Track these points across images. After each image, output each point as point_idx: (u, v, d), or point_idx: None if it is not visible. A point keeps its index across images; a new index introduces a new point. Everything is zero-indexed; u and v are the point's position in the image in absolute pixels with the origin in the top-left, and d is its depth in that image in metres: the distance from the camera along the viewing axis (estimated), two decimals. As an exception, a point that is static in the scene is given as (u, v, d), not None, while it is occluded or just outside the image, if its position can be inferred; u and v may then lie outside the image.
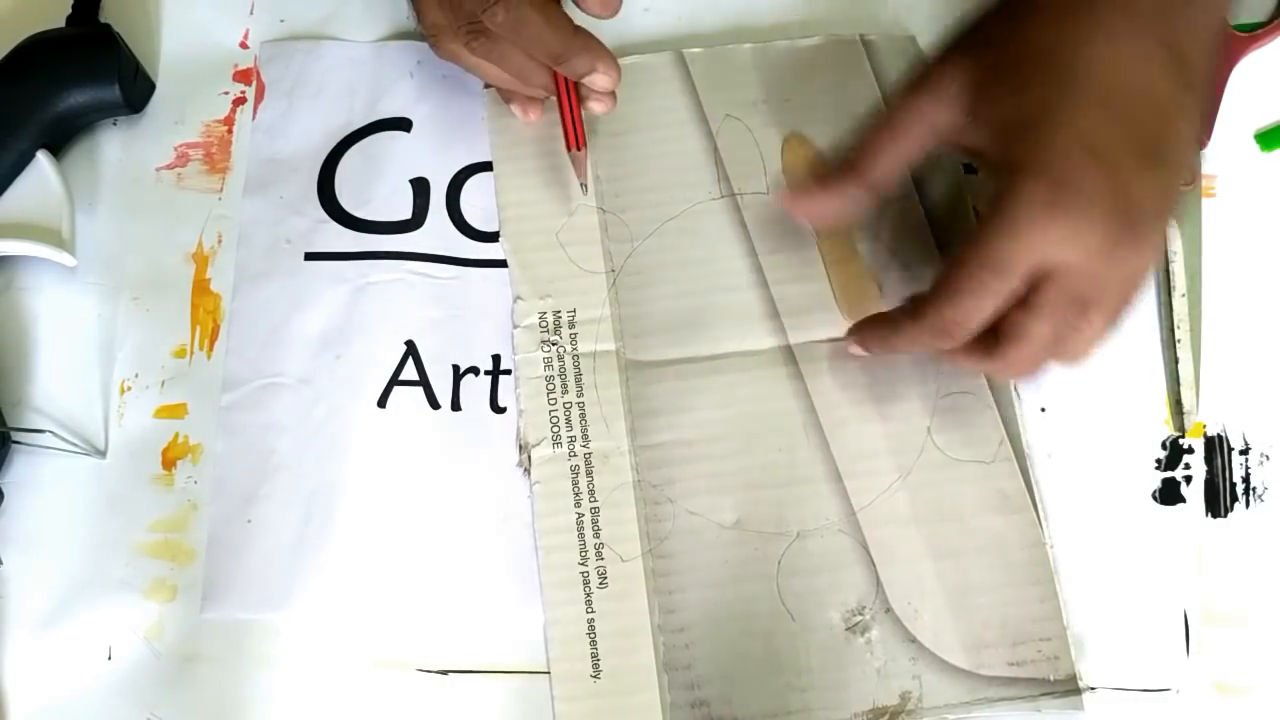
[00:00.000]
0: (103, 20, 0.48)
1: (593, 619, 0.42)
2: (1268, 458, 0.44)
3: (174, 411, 0.44)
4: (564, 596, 0.42)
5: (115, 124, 0.47)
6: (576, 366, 0.45)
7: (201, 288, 0.45)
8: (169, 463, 0.43)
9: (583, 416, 0.44)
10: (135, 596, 0.42)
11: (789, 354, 0.45)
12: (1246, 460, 0.44)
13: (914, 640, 0.42)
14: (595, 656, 0.42)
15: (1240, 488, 0.43)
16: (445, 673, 0.42)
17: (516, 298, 0.45)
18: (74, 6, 0.48)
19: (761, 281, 0.46)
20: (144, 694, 0.41)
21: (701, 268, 0.46)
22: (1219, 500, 0.43)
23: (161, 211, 0.46)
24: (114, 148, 0.47)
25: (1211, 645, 0.42)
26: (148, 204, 0.46)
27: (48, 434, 0.43)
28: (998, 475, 0.43)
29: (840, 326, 0.45)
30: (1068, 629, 0.42)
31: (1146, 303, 0.45)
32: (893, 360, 0.44)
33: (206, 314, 0.45)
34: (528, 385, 0.45)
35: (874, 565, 0.43)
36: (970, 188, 0.45)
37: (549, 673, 0.42)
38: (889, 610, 0.42)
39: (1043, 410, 0.44)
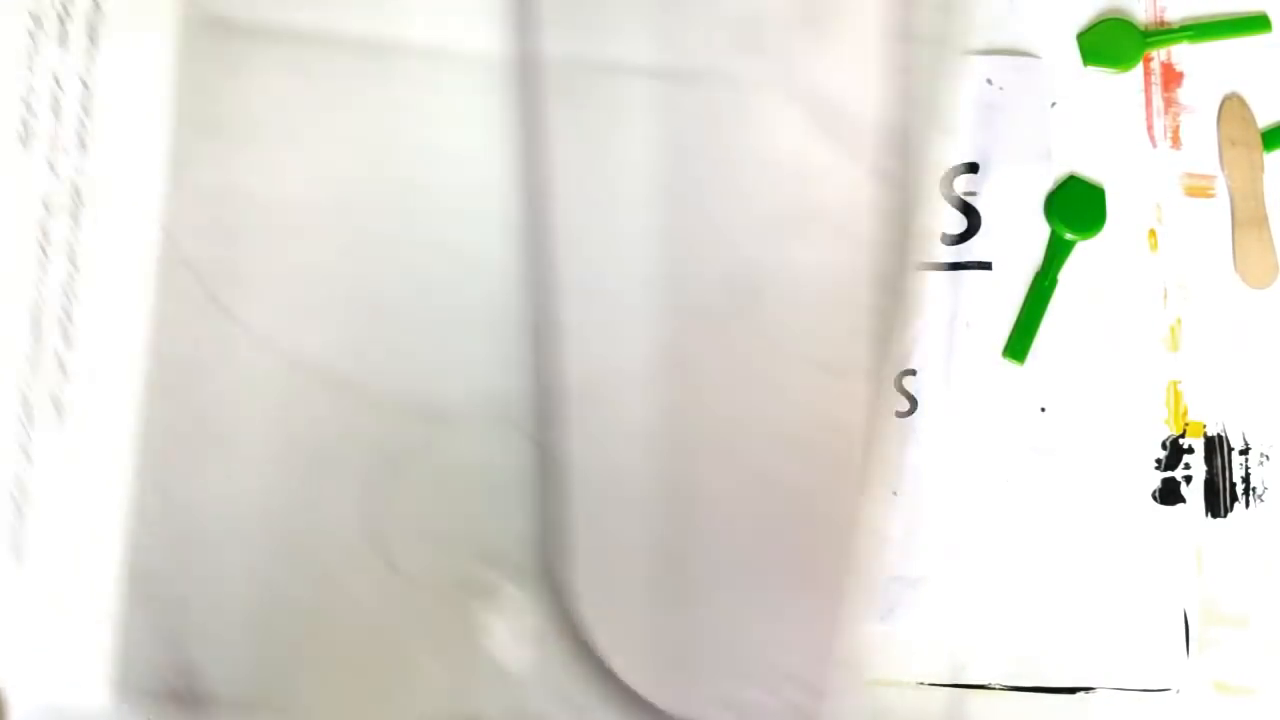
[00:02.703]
0: (102, 20, 0.47)
1: (23, 473, 0.26)
2: (1268, 458, 0.44)
3: (174, 411, 0.44)
4: None
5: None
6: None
7: (201, 288, 0.45)
8: (169, 463, 0.43)
9: (87, 103, 0.25)
10: (135, 596, 0.42)
11: (531, 71, 0.25)
12: (1246, 460, 0.44)
13: (585, 647, 0.25)
14: (18, 531, 0.26)
15: (1240, 488, 0.43)
16: (445, 673, 0.42)
17: None
18: (74, 6, 0.47)
19: None
20: (144, 694, 0.41)
21: None
22: (1219, 500, 0.43)
23: (161, 211, 0.46)
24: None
25: (1211, 645, 0.42)
26: (147, 204, 0.46)
27: (48, 434, 0.42)
28: (832, 399, 0.26)
29: (640, 48, 0.26)
30: (838, 670, 0.27)
31: (1146, 301, 0.45)
32: (724, 140, 0.26)
33: (206, 314, 0.45)
34: None
35: (560, 500, 0.25)
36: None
37: None
38: (555, 586, 0.25)
39: (1043, 410, 0.44)
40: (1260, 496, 0.43)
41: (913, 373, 0.44)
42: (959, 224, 0.45)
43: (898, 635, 0.42)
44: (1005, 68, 0.47)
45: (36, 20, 0.25)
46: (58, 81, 0.25)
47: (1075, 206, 0.45)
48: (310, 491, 0.25)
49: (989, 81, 0.46)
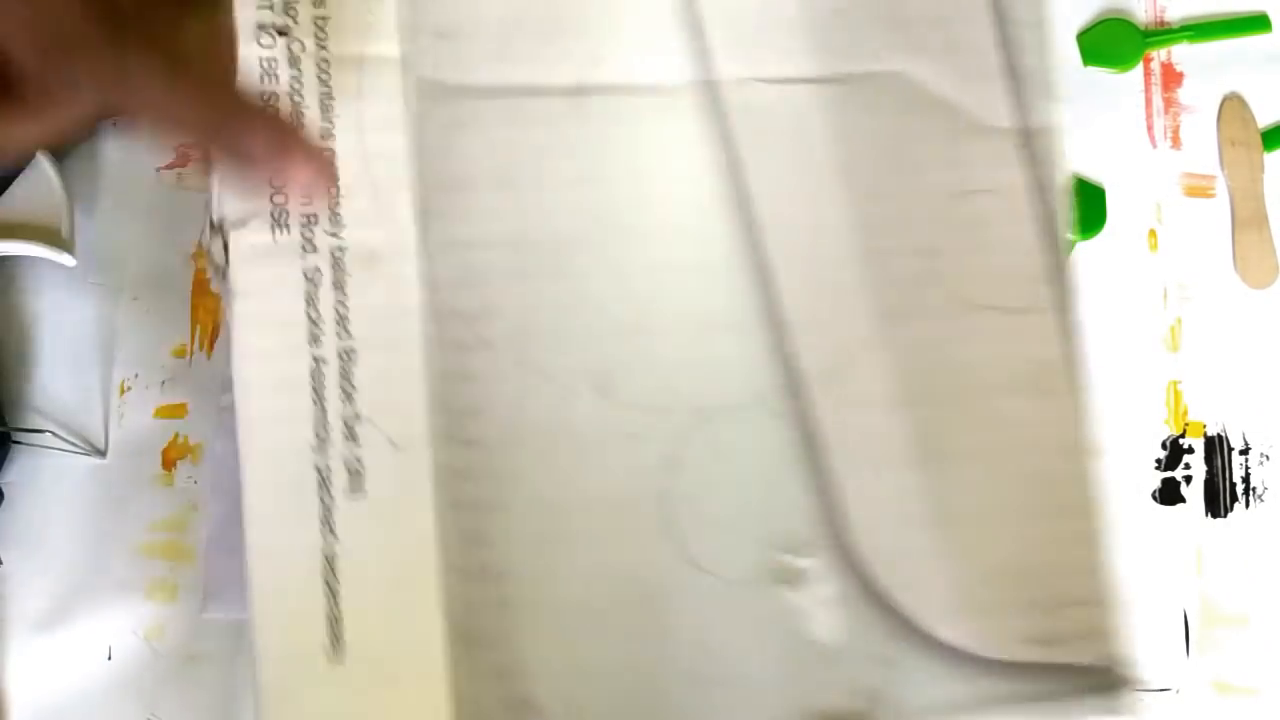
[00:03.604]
0: (102, 20, 0.47)
1: (333, 553, 0.26)
2: (1268, 458, 0.44)
3: (174, 411, 0.44)
4: (280, 510, 0.26)
5: (115, 124, 0.47)
6: (324, 79, 0.26)
7: (202, 288, 0.45)
8: (169, 463, 0.43)
9: (333, 180, 0.27)
10: (135, 596, 0.42)
11: (711, 96, 0.28)
12: (1246, 460, 0.44)
13: (885, 603, 0.27)
14: (335, 620, 0.25)
15: (1240, 488, 0.43)
16: (445, 673, 0.42)
17: None
18: (74, 6, 0.47)
19: None
20: (144, 694, 0.41)
21: None
22: (1219, 500, 0.43)
23: (161, 211, 0.46)
24: (114, 148, 0.47)
25: (1211, 645, 0.42)
26: (148, 204, 0.46)
27: (48, 434, 0.43)
28: (1028, 333, 0.29)
29: (803, 62, 0.29)
30: (1119, 585, 0.29)
31: (1146, 301, 0.45)
32: (885, 129, 0.29)
33: (206, 314, 0.45)
34: None
35: (829, 472, 0.27)
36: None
37: (254, 645, 0.26)
38: (845, 551, 0.27)
39: (1043, 410, 0.44)
40: (1260, 496, 0.43)
41: (913, 373, 0.44)
42: (959, 224, 0.45)
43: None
44: (1005, 68, 0.47)
45: (270, 102, 0.27)
46: None
47: (1075, 206, 0.45)
48: (611, 514, 0.26)
49: (989, 81, 0.46)
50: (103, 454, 0.43)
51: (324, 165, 0.26)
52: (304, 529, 0.26)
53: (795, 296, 0.28)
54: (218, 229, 0.27)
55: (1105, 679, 0.28)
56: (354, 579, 0.26)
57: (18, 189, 0.45)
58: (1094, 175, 0.46)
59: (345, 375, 0.26)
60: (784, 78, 0.29)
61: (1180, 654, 0.42)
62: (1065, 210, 0.31)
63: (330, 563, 0.26)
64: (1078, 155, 0.46)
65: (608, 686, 0.26)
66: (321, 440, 0.26)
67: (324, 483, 0.26)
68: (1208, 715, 0.42)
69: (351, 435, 0.26)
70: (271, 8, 0.26)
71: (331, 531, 0.26)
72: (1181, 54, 0.47)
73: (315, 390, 0.26)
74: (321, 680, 0.25)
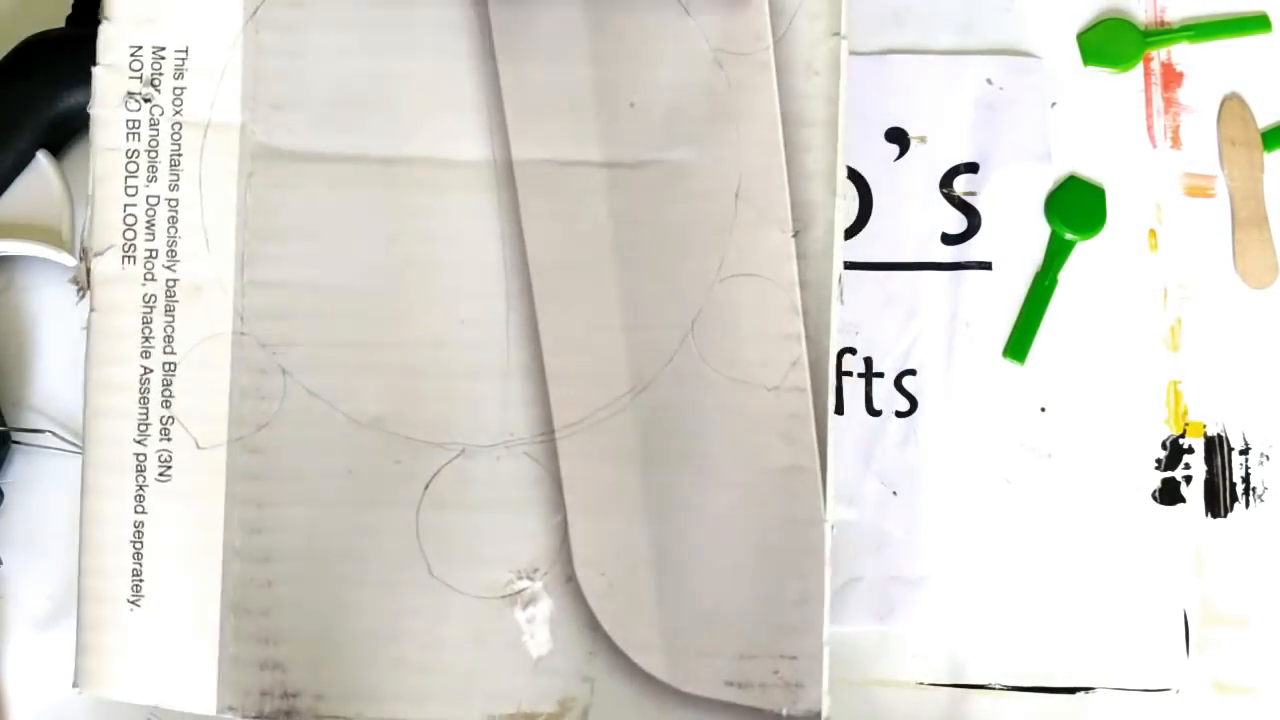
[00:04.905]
0: (102, 20, 0.47)
1: (141, 522, 0.32)
2: (1268, 458, 0.44)
3: (174, 411, 0.44)
4: (106, 484, 0.33)
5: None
6: (176, 142, 0.32)
7: (201, 288, 0.45)
8: (169, 463, 0.43)
9: (174, 222, 0.32)
10: (135, 596, 0.42)
11: (506, 174, 0.32)
12: (1246, 460, 0.44)
13: (597, 628, 0.31)
14: (137, 575, 0.32)
15: (1240, 488, 0.43)
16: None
17: (103, 17, 0.34)
18: (74, 6, 0.48)
19: (488, 52, 0.32)
20: (144, 694, 0.41)
21: (397, 13, 0.32)
22: (1219, 500, 0.43)
23: (161, 211, 0.46)
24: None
25: (1211, 645, 0.42)
26: (148, 204, 0.46)
27: (48, 434, 0.43)
28: (780, 411, 0.32)
29: (593, 148, 0.32)
30: (826, 647, 0.32)
31: (1146, 301, 0.45)
32: (665, 214, 0.32)
33: (206, 314, 0.45)
34: (101, 160, 0.33)
35: (564, 511, 0.32)
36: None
37: (78, 586, 0.34)
38: (571, 579, 0.31)
39: (1043, 410, 0.44)
40: (1260, 496, 0.43)
41: (913, 373, 0.44)
42: (959, 224, 0.45)
43: (898, 635, 0.42)
44: (1005, 68, 0.47)
45: (132, 158, 0.33)
46: (153, 208, 0.32)
47: (1075, 206, 0.45)
48: (366, 518, 0.32)
49: (989, 81, 0.46)
50: (103, 454, 0.43)
51: None
52: (121, 502, 0.32)
53: (555, 356, 0.32)
54: (84, 256, 0.33)
55: None
56: (154, 546, 0.32)
57: (18, 189, 0.45)
58: (1094, 175, 0.46)
59: (166, 384, 0.33)
60: (574, 160, 0.33)
61: (1180, 654, 0.42)
62: (826, 300, 0.33)
63: (139, 530, 0.32)
64: (1078, 155, 0.46)
65: (342, 661, 0.31)
66: (142, 434, 0.32)
67: (140, 468, 0.32)
68: (1207, 715, 0.42)
69: (165, 433, 0.32)
70: (140, 79, 0.32)
71: (142, 508, 0.32)
72: (1181, 54, 0.47)
73: (141, 393, 0.32)
74: (123, 621, 0.32)
